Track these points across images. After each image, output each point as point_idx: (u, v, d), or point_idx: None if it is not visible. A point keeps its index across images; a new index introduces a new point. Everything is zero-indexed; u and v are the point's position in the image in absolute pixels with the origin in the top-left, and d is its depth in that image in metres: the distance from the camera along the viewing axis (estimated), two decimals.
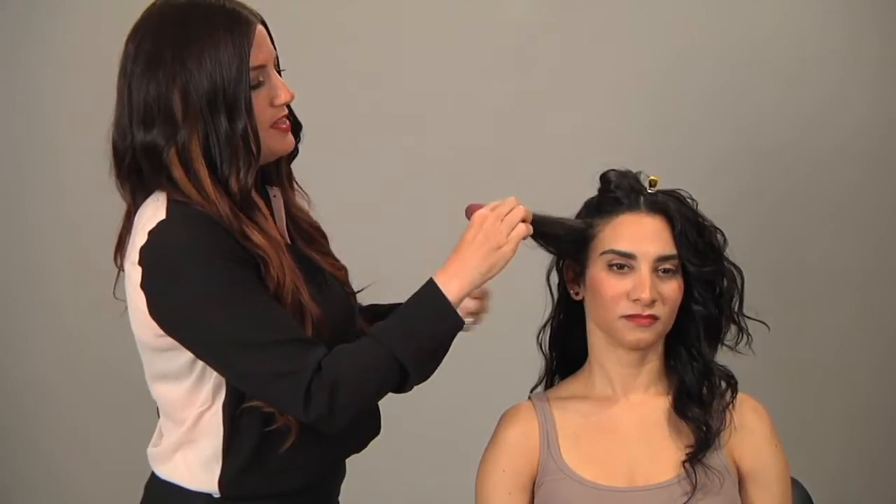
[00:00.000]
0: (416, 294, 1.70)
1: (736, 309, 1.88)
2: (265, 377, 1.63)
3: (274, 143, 1.74)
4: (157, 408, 1.81)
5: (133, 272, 1.67)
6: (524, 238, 1.74)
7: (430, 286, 1.69)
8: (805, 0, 3.00)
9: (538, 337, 1.97)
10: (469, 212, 1.77)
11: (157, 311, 1.66)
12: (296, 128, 1.80)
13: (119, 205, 1.80)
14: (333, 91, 2.66)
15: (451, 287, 1.68)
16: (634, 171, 1.90)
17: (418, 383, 1.70)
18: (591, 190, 1.90)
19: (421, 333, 1.67)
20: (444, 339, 1.69)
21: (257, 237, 1.67)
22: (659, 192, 1.86)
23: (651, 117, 2.95)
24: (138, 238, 1.67)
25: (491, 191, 2.91)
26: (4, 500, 3.06)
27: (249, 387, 1.67)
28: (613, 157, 1.93)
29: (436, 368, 1.71)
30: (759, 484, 1.86)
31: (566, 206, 1.90)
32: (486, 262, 1.71)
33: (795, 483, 2.02)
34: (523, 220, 1.74)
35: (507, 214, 1.73)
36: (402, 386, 1.69)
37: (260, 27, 1.71)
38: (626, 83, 2.95)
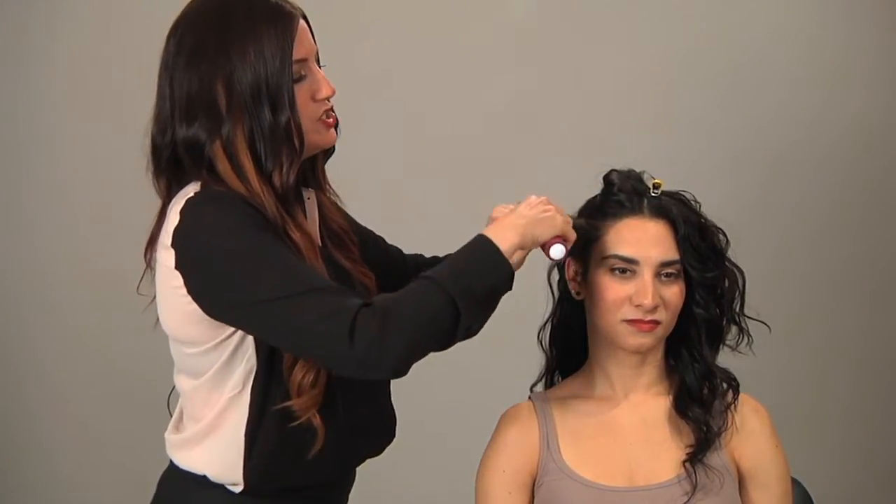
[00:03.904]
0: (464, 245, 1.68)
1: (737, 310, 1.88)
2: (310, 322, 1.59)
3: (317, 137, 1.73)
4: (177, 394, 1.80)
5: (167, 256, 1.66)
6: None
7: (479, 237, 1.68)
8: (804, 1, 3.01)
9: (539, 334, 1.97)
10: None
11: (194, 284, 1.65)
12: (336, 124, 1.79)
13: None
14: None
15: (501, 236, 1.67)
16: (636, 170, 1.89)
17: (467, 333, 1.65)
18: (594, 189, 1.90)
19: (471, 272, 1.63)
20: (495, 285, 1.65)
21: (296, 235, 1.67)
22: (663, 193, 1.85)
23: (651, 117, 2.96)
24: (171, 222, 1.66)
25: (493, 190, 2.93)
26: (7, 498, 3.07)
27: (293, 338, 1.63)
28: (615, 157, 1.93)
29: (485, 318, 1.66)
30: (760, 484, 1.86)
31: (568, 205, 1.89)
32: (538, 222, 1.70)
33: (795, 483, 2.03)
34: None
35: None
36: (452, 330, 1.63)
37: (301, 21, 1.71)
38: (627, 83, 2.96)
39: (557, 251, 1.74)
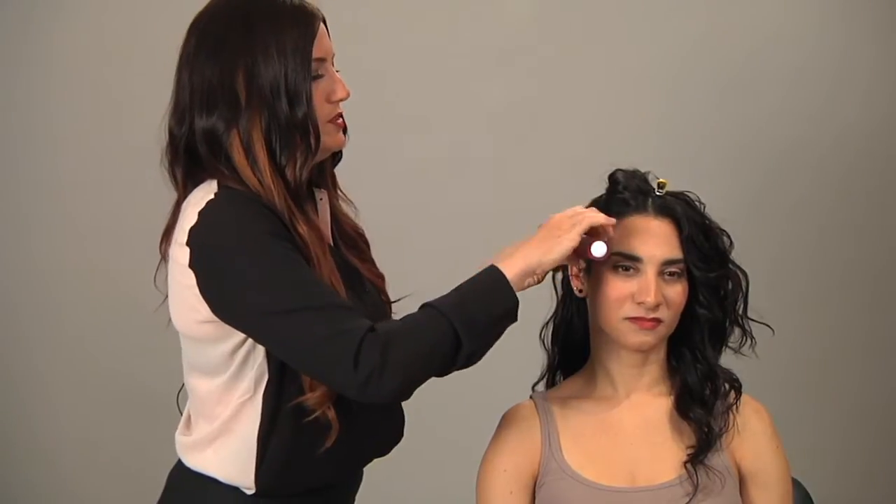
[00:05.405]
0: (474, 275, 1.70)
1: (740, 312, 1.88)
2: (316, 341, 1.61)
3: (328, 138, 1.75)
4: (184, 394, 1.81)
5: (180, 253, 1.67)
6: (587, 230, 1.73)
7: (488, 266, 1.70)
8: (804, 1, 3.01)
9: (541, 333, 1.97)
10: None
11: (207, 287, 1.66)
12: (343, 129, 1.80)
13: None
14: None
15: (507, 264, 1.69)
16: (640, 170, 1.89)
17: (467, 361, 1.68)
18: (595, 189, 1.90)
19: (475, 303, 1.66)
20: (498, 315, 1.67)
21: (303, 229, 1.68)
22: (667, 194, 1.85)
23: (651, 118, 2.96)
24: (187, 220, 1.67)
25: (494, 191, 2.94)
26: (6, 499, 3.06)
27: (298, 354, 1.65)
28: (615, 158, 1.93)
29: (487, 348, 1.69)
30: (760, 485, 1.86)
31: (569, 205, 1.89)
32: (542, 245, 1.71)
33: (796, 483, 2.03)
34: (592, 225, 1.74)
35: (577, 216, 1.74)
36: (453, 359, 1.66)
37: (321, 23, 1.74)
38: (626, 84, 2.97)
39: (598, 249, 1.75)
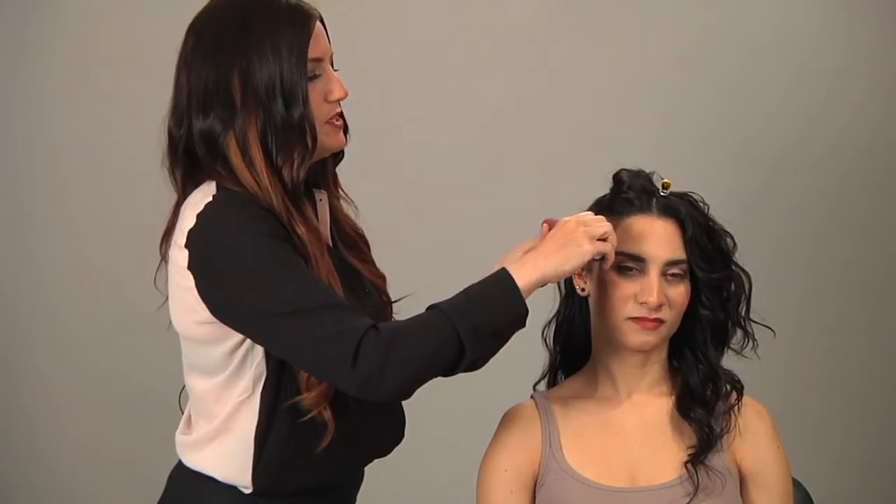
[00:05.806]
0: (485, 277, 1.69)
1: (743, 314, 1.88)
2: (316, 341, 1.61)
3: (327, 138, 1.74)
4: (186, 394, 1.81)
5: (179, 255, 1.67)
6: (601, 255, 1.72)
7: (501, 271, 1.68)
8: (804, 1, 3.01)
9: (543, 332, 1.97)
10: (548, 225, 1.78)
11: (206, 288, 1.66)
12: (344, 129, 1.80)
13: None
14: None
15: (522, 272, 1.67)
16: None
17: (471, 366, 1.66)
18: (596, 189, 1.90)
19: (482, 309, 1.64)
20: (505, 322, 1.65)
21: (301, 229, 1.68)
22: (671, 194, 1.85)
23: (652, 118, 2.96)
24: (186, 222, 1.68)
25: (496, 192, 2.94)
26: (6, 499, 3.06)
27: (299, 355, 1.65)
28: (617, 158, 1.93)
29: (492, 354, 1.67)
30: (761, 485, 1.86)
31: (570, 206, 1.89)
32: (560, 254, 1.69)
33: (797, 484, 2.03)
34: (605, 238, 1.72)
35: (591, 224, 1.72)
36: (456, 363, 1.64)
37: (318, 23, 1.73)
38: (627, 84, 2.96)
39: None
